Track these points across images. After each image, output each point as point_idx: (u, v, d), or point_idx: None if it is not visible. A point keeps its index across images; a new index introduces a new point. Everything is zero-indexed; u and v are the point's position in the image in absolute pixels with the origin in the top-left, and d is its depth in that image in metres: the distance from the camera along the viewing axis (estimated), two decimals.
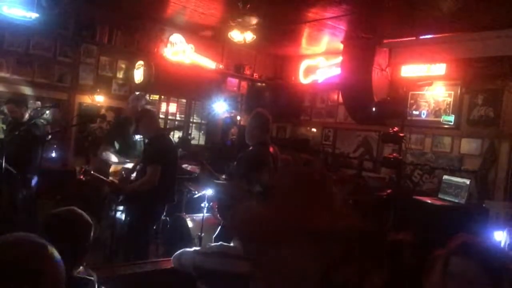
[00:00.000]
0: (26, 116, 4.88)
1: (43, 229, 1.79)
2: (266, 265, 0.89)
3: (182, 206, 5.20)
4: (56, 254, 1.19)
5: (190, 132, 7.88)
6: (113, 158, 4.87)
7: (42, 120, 5.07)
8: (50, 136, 4.74)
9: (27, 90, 5.88)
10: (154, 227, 4.17)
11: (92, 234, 1.89)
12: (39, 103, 5.84)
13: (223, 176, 3.84)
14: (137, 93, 5.73)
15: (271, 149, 3.70)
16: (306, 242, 0.87)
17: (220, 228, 3.67)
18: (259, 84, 8.41)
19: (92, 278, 1.82)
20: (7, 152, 4.36)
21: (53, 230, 1.74)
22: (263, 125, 3.69)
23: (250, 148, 3.67)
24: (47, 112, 5.64)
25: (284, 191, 0.98)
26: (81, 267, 1.85)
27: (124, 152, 4.90)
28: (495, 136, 5.60)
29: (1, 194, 4.57)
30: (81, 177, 4.03)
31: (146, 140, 4.27)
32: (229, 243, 2.65)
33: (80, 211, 1.91)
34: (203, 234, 4.56)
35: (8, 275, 1.09)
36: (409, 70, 6.51)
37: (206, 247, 2.23)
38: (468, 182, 5.37)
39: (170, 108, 7.66)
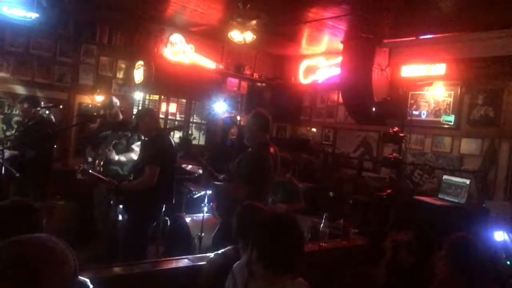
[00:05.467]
0: (37, 116, 4.99)
1: None
2: None
3: (182, 206, 5.20)
4: (65, 258, 1.19)
5: (190, 132, 7.88)
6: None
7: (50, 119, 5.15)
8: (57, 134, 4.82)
9: (27, 90, 5.88)
10: (153, 227, 4.16)
11: (40, 218, 1.96)
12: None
13: (223, 176, 3.82)
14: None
15: (271, 150, 3.69)
16: None
17: (219, 228, 3.67)
18: (259, 84, 8.40)
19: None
20: (18, 151, 4.41)
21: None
22: (264, 126, 3.65)
23: (250, 149, 3.63)
24: (47, 111, 5.66)
25: None
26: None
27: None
28: (495, 136, 5.59)
29: (7, 195, 4.58)
30: (79, 176, 4.03)
31: (146, 139, 4.26)
32: (228, 243, 2.66)
33: (24, 200, 2.00)
34: (203, 234, 4.56)
35: (6, 273, 1.10)
36: (409, 70, 6.50)
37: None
38: (468, 182, 5.36)
39: (170, 108, 7.65)
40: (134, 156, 4.71)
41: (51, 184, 5.21)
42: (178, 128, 7.11)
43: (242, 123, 7.74)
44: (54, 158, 5.45)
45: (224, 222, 3.56)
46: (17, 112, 5.60)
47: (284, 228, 1.91)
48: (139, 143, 4.74)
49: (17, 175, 4.45)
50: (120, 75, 6.78)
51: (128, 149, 4.82)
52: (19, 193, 4.60)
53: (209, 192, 4.73)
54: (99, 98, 6.42)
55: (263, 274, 1.87)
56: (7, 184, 4.56)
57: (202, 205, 4.81)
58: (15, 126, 5.57)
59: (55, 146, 5.44)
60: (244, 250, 2.34)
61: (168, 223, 4.76)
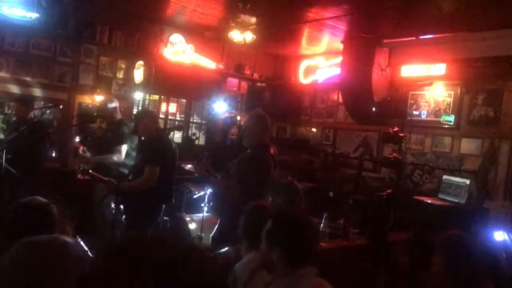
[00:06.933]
0: (31, 115, 4.94)
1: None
2: None
3: (182, 206, 5.20)
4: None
5: (192, 132, 7.86)
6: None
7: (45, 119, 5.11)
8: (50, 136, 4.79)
9: (27, 90, 5.88)
10: (152, 228, 4.15)
11: (54, 218, 1.99)
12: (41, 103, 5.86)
13: (221, 175, 3.81)
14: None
15: (271, 151, 3.68)
16: None
17: (217, 228, 3.66)
18: (259, 84, 8.41)
19: None
20: (12, 151, 4.38)
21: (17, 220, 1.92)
22: (264, 126, 3.64)
23: (249, 150, 3.61)
24: (47, 111, 5.66)
25: None
26: None
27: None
28: (495, 136, 5.59)
29: (3, 195, 4.57)
30: (79, 176, 4.03)
31: (145, 140, 4.25)
32: (227, 242, 2.66)
33: (41, 199, 2.03)
34: (203, 234, 4.56)
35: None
36: (409, 70, 6.50)
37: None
38: (468, 182, 5.36)
39: (170, 108, 7.65)
40: (114, 157, 4.61)
41: (48, 185, 5.18)
42: (178, 128, 7.11)
43: (242, 123, 7.74)
44: (49, 158, 5.41)
45: (222, 222, 3.56)
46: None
47: (303, 224, 2.00)
48: (125, 146, 4.67)
49: (18, 175, 4.44)
50: (120, 75, 6.79)
51: (108, 150, 4.73)
52: (15, 194, 4.58)
53: (208, 190, 4.73)
54: (99, 98, 6.42)
55: (283, 269, 1.93)
56: (2, 185, 4.53)
57: (202, 205, 4.81)
58: (5, 126, 5.50)
59: (51, 146, 5.41)
60: (247, 250, 2.33)
61: (168, 223, 4.76)
